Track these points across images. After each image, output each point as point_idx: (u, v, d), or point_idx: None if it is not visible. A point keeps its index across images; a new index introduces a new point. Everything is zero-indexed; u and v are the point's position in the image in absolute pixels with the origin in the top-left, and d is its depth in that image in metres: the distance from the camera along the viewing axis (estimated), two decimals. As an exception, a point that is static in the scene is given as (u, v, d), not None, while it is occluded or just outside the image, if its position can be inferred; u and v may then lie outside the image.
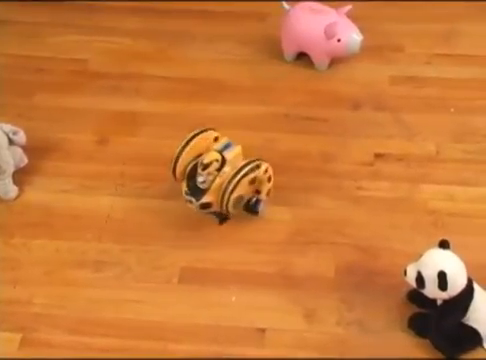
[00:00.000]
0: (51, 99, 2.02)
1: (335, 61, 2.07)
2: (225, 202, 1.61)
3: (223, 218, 1.69)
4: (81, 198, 1.77)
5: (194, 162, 1.64)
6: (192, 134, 1.66)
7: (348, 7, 1.98)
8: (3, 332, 1.52)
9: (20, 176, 1.79)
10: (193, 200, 1.62)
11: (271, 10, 2.22)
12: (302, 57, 2.08)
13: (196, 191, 1.62)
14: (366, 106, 1.98)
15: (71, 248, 1.67)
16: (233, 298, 1.58)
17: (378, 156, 1.85)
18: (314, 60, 2.06)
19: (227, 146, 1.65)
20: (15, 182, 1.77)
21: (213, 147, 1.64)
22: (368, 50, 2.04)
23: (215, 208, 1.64)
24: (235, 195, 1.61)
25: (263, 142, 1.88)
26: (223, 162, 1.62)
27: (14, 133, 1.76)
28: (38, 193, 1.79)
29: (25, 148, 1.80)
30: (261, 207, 1.67)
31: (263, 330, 1.52)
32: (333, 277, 1.61)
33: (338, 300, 1.57)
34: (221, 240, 1.68)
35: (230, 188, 1.60)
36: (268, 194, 1.69)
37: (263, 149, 1.85)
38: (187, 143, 1.65)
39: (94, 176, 1.81)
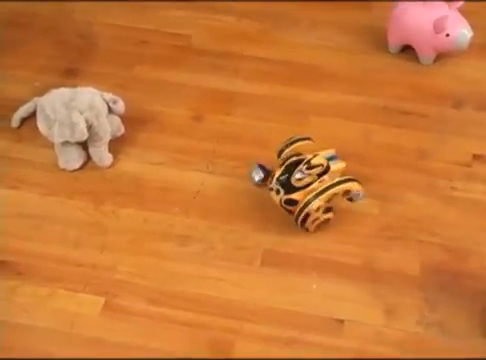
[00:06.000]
0: (151, 71, 2.04)
1: (441, 56, 2.02)
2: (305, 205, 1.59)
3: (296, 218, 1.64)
4: (172, 172, 1.79)
5: (297, 157, 1.63)
6: (293, 139, 1.66)
7: (460, 2, 1.92)
8: (87, 294, 1.56)
9: (115, 145, 1.82)
10: (282, 191, 1.60)
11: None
12: (407, 50, 2.04)
13: (287, 184, 1.60)
14: (469, 105, 1.92)
15: (158, 220, 1.69)
16: (314, 286, 1.57)
17: (476, 157, 1.80)
18: (419, 54, 2.01)
19: (332, 158, 1.63)
20: (110, 150, 1.80)
21: (321, 153, 1.62)
22: (477, 47, 1.98)
23: (295, 209, 1.61)
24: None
25: (359, 133, 1.86)
26: (326, 170, 1.60)
27: (114, 102, 1.79)
28: (131, 163, 1.81)
29: (122, 118, 1.83)
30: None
31: (342, 321, 1.51)
32: (418, 275, 1.58)
33: (421, 299, 1.54)
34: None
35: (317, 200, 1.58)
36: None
37: (358, 140, 1.84)
38: (288, 146, 1.65)
39: (187, 151, 1.83)
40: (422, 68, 2.02)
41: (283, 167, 1.63)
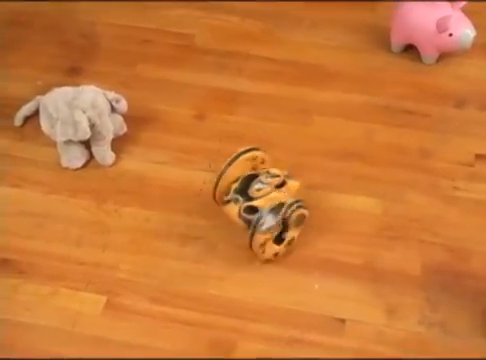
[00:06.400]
0: (154, 70, 2.04)
1: (444, 56, 2.01)
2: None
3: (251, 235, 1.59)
4: (175, 171, 1.79)
5: (252, 171, 1.61)
6: (239, 152, 1.62)
7: (463, 2, 1.92)
8: (89, 293, 1.56)
9: (118, 144, 1.82)
10: (241, 199, 1.58)
11: (382, -1, 2.19)
12: (410, 49, 2.04)
13: (245, 194, 1.59)
14: (471, 105, 1.92)
15: (160, 219, 1.69)
16: (316, 285, 1.57)
17: (479, 157, 1.79)
18: (422, 53, 2.01)
19: (288, 175, 1.62)
20: (113, 149, 1.80)
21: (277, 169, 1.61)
22: (480, 47, 1.98)
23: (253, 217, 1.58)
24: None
25: (361, 132, 1.85)
26: (283, 183, 1.60)
27: (117, 101, 1.79)
28: (134, 162, 1.81)
29: (124, 116, 1.83)
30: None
31: (343, 320, 1.51)
32: (419, 275, 1.58)
33: (422, 299, 1.54)
34: (309, 227, 1.65)
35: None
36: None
37: (360, 139, 1.84)
38: (233, 160, 1.61)
39: (190, 150, 1.83)
40: (425, 68, 2.02)
41: (239, 180, 1.61)
